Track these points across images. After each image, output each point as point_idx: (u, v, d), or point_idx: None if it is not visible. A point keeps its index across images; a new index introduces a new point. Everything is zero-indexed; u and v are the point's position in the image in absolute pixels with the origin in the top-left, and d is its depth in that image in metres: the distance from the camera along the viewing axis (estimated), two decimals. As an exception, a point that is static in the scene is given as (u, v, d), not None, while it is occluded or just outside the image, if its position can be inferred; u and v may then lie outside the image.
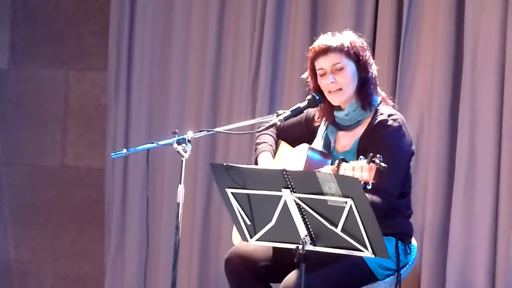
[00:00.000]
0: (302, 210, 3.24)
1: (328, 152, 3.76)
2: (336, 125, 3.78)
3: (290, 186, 3.22)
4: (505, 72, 4.28)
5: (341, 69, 3.69)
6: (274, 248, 3.69)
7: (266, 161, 3.82)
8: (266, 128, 3.77)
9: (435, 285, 4.41)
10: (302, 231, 3.27)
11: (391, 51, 4.59)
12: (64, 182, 5.73)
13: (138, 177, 5.28)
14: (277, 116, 3.75)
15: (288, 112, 3.76)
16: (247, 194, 3.31)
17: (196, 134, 3.73)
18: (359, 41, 3.74)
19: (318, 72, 3.73)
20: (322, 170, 3.44)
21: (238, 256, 3.72)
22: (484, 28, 4.32)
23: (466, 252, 4.32)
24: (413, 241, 3.82)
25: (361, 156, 3.27)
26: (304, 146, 3.76)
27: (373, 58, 3.82)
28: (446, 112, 4.43)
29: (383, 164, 3.20)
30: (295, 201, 3.23)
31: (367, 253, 3.23)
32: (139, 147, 3.77)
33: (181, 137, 3.66)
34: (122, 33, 5.34)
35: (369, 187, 3.24)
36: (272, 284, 3.76)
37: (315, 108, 3.83)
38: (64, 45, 5.72)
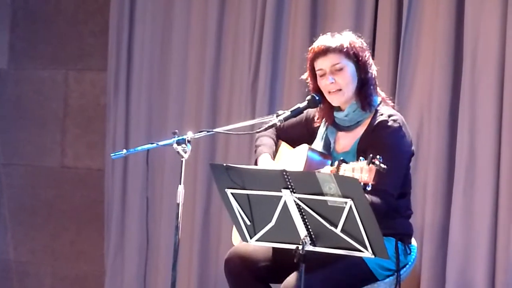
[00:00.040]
0: (302, 210, 3.24)
1: (328, 152, 3.76)
2: (336, 126, 3.78)
3: (290, 186, 3.21)
4: (505, 73, 4.29)
5: (341, 69, 3.69)
6: (274, 248, 3.68)
7: (265, 163, 3.82)
8: (266, 129, 3.77)
9: (435, 285, 4.41)
10: (302, 231, 3.27)
11: (390, 51, 4.59)
12: (63, 182, 5.73)
13: (137, 177, 5.28)
14: (277, 116, 3.75)
15: (288, 113, 3.76)
16: (247, 194, 3.31)
17: (195, 134, 3.73)
18: (358, 42, 3.74)
19: (317, 72, 3.73)
20: (322, 171, 3.43)
21: (238, 256, 3.72)
22: (484, 29, 4.32)
23: (466, 252, 4.32)
24: (413, 242, 3.82)
25: (361, 157, 3.27)
26: (304, 147, 3.76)
27: (373, 59, 3.82)
28: (446, 113, 4.43)
29: (383, 166, 3.20)
30: (295, 201, 3.23)
31: (367, 254, 3.23)
32: (139, 148, 3.77)
33: (180, 137, 3.66)
34: (122, 34, 5.34)
35: (368, 188, 3.24)
36: (272, 285, 3.76)
37: (315, 109, 3.83)
38: (63, 46, 5.72)
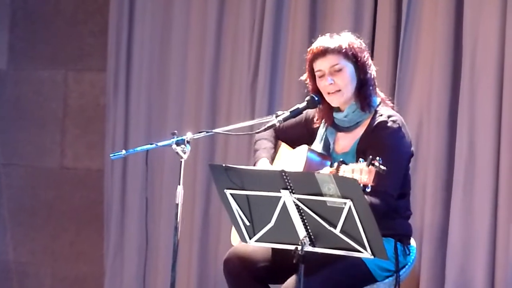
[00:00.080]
0: (301, 211, 3.23)
1: (328, 153, 3.76)
2: (336, 127, 3.78)
3: (289, 187, 3.21)
4: (504, 73, 4.29)
5: (340, 70, 3.69)
6: (273, 249, 3.68)
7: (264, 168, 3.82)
8: (265, 129, 3.77)
9: (434, 286, 4.41)
10: (301, 232, 3.26)
11: (390, 51, 4.59)
12: (63, 183, 5.73)
13: (137, 178, 5.28)
14: (276, 117, 3.74)
15: (287, 113, 3.76)
16: (246, 195, 3.30)
17: (195, 135, 3.73)
18: (357, 42, 3.74)
19: (316, 73, 3.73)
20: (321, 172, 3.43)
21: (237, 257, 3.72)
22: (483, 29, 4.32)
23: (465, 252, 4.32)
24: (412, 242, 3.82)
25: (360, 159, 3.27)
26: (303, 148, 3.76)
27: (372, 59, 3.82)
28: (445, 113, 4.43)
29: (382, 167, 3.20)
30: (294, 202, 3.22)
31: (366, 254, 3.22)
32: (138, 148, 3.77)
33: (180, 138, 3.66)
34: (121, 34, 5.34)
35: (368, 189, 3.24)
36: (271, 285, 3.76)
37: (315, 109, 3.82)
38: (63, 46, 5.71)
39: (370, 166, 3.22)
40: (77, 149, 5.71)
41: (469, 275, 4.31)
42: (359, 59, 3.71)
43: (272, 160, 3.90)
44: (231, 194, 3.32)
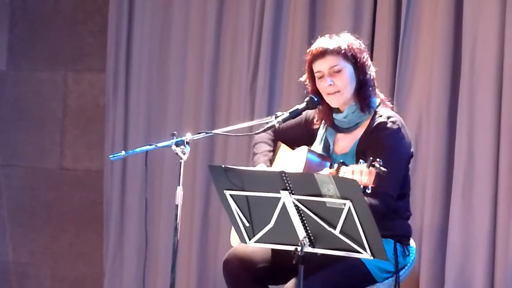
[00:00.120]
0: (301, 211, 3.23)
1: (327, 154, 3.76)
2: (335, 127, 3.78)
3: (288, 188, 3.21)
4: (504, 73, 4.29)
5: (339, 71, 3.69)
6: (272, 250, 3.68)
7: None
8: (265, 130, 3.77)
9: (434, 286, 4.41)
10: (301, 233, 3.26)
11: (389, 52, 4.59)
12: (62, 184, 5.73)
13: (136, 178, 5.28)
14: (276, 118, 3.74)
15: (286, 114, 3.76)
16: (246, 196, 3.30)
17: (194, 136, 3.73)
18: (356, 43, 3.74)
19: (316, 75, 3.73)
20: (321, 173, 3.43)
21: (236, 257, 3.72)
22: (483, 29, 4.32)
23: (464, 252, 4.32)
24: (412, 243, 3.82)
25: (360, 160, 3.27)
26: (303, 149, 3.76)
27: (371, 60, 3.82)
28: (445, 114, 4.43)
29: (383, 169, 3.19)
30: (293, 203, 3.22)
31: (365, 255, 3.22)
32: (138, 149, 3.77)
33: (179, 139, 3.66)
34: (121, 34, 5.34)
35: (368, 191, 3.24)
36: (270, 286, 3.76)
37: (315, 110, 3.82)
38: (62, 46, 5.71)
39: (371, 168, 3.21)
40: (76, 150, 5.71)
41: (469, 275, 4.31)
42: (358, 60, 3.71)
43: (270, 163, 3.90)
44: (230, 195, 3.32)
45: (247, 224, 3.35)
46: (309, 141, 3.84)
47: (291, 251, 3.27)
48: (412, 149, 3.76)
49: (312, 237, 3.27)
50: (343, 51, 3.68)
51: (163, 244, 5.16)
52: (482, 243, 4.28)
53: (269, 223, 3.30)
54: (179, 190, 3.64)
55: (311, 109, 3.80)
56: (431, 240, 4.40)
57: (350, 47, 3.70)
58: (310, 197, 3.19)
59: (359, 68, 3.71)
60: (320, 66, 3.70)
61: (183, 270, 5.08)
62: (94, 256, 5.57)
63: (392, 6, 4.58)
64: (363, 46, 3.77)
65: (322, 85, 3.72)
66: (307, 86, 3.81)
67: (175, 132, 3.70)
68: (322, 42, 3.72)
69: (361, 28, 4.60)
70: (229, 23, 5.08)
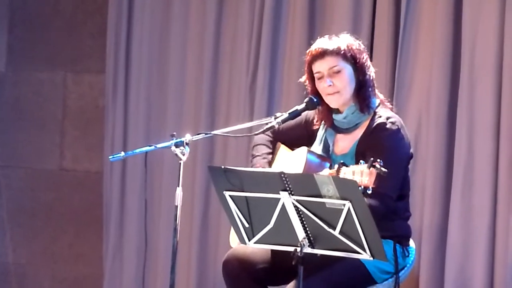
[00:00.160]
0: (300, 212, 3.23)
1: (327, 155, 3.76)
2: (335, 128, 3.78)
3: (288, 188, 3.21)
4: (503, 74, 4.29)
5: (338, 72, 3.69)
6: (272, 250, 3.68)
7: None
8: (264, 131, 3.78)
9: (434, 286, 4.41)
10: (300, 233, 3.26)
11: (388, 53, 4.59)
12: (62, 185, 5.73)
13: (136, 179, 5.28)
14: (275, 118, 3.75)
15: (286, 115, 3.76)
16: (245, 196, 3.30)
17: (194, 136, 3.73)
18: (356, 44, 3.74)
19: (315, 75, 3.73)
20: (321, 173, 3.43)
21: (236, 258, 3.72)
22: (482, 30, 4.33)
23: (464, 253, 4.33)
24: (411, 243, 3.82)
25: (361, 161, 3.27)
26: (303, 149, 3.76)
27: (371, 60, 3.82)
28: (444, 114, 4.43)
29: (383, 169, 3.19)
30: (293, 203, 3.22)
31: (365, 256, 3.22)
32: (137, 150, 3.77)
33: (179, 140, 3.66)
34: (120, 35, 5.34)
35: (369, 192, 3.24)
36: (270, 287, 3.76)
37: (315, 111, 3.83)
38: (61, 47, 5.71)
39: (371, 168, 3.21)
40: (76, 151, 5.71)
41: (469, 275, 4.32)
42: (357, 60, 3.71)
43: (269, 165, 3.90)
44: (230, 196, 3.32)
45: (247, 225, 3.35)
46: (309, 142, 3.84)
47: (290, 252, 3.27)
48: (411, 150, 3.76)
49: (311, 238, 3.27)
50: (342, 52, 3.68)
51: (163, 245, 5.16)
52: (481, 243, 4.29)
53: (269, 224, 3.30)
54: (179, 191, 3.64)
55: (311, 110, 3.80)
56: (431, 240, 4.41)
57: (350, 47, 3.70)
58: (310, 197, 3.19)
59: (359, 69, 3.71)
60: (320, 66, 3.70)
61: (183, 271, 5.08)
62: (94, 257, 5.57)
63: (392, 6, 4.58)
64: (362, 46, 3.77)
65: (321, 86, 3.72)
66: (306, 87, 3.81)
67: (174, 133, 3.70)
68: (321, 43, 3.72)
69: (360, 29, 4.60)
70: (228, 24, 5.08)
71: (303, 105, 3.78)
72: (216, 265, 4.93)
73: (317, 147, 3.80)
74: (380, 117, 3.68)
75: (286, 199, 3.22)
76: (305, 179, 3.22)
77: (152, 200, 5.22)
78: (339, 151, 3.75)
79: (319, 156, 3.74)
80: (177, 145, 3.65)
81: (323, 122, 3.82)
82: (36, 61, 5.78)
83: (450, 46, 4.42)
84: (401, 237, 3.73)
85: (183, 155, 3.65)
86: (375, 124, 3.67)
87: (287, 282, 3.60)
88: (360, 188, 3.20)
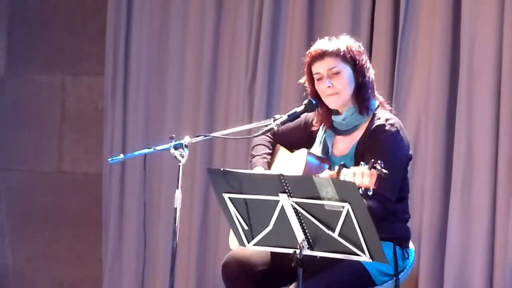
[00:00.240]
0: (299, 214, 3.23)
1: (326, 157, 3.76)
2: (334, 130, 3.78)
3: (287, 190, 3.21)
4: (502, 75, 4.28)
5: (338, 73, 3.69)
6: (271, 253, 3.68)
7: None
8: (263, 133, 3.77)
9: (433, 287, 4.41)
10: (300, 235, 3.26)
11: (387, 54, 4.59)
12: (61, 187, 5.73)
13: (135, 182, 5.28)
14: (274, 120, 3.75)
15: (285, 117, 3.76)
16: (244, 199, 3.30)
17: (193, 139, 3.72)
18: (355, 45, 3.74)
19: (314, 76, 3.73)
20: (321, 175, 3.43)
21: (235, 260, 3.71)
22: (481, 31, 4.32)
23: (463, 254, 4.32)
24: (411, 245, 3.82)
25: (362, 162, 3.27)
26: (303, 151, 3.76)
27: (370, 62, 3.82)
28: (443, 115, 4.43)
29: (384, 170, 3.19)
30: (292, 205, 3.22)
31: (364, 258, 3.22)
32: (136, 152, 3.77)
33: (178, 142, 3.66)
34: (119, 38, 5.34)
35: (370, 193, 3.23)
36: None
37: (314, 113, 3.83)
38: (60, 50, 5.72)
39: (372, 170, 3.21)
40: (75, 153, 5.71)
41: (468, 277, 4.31)
42: (357, 62, 3.71)
43: (269, 165, 3.90)
44: (229, 198, 3.32)
45: (246, 227, 3.35)
46: (309, 144, 3.84)
47: (290, 254, 3.27)
48: (410, 152, 3.76)
49: (310, 240, 3.26)
50: (342, 53, 3.68)
51: (162, 247, 5.15)
52: (481, 244, 4.29)
53: (268, 226, 3.30)
54: (178, 193, 3.64)
55: (310, 111, 3.80)
56: (430, 242, 4.41)
57: (349, 49, 3.70)
58: (309, 200, 3.19)
59: (358, 70, 3.71)
60: (319, 68, 3.70)
61: (182, 274, 5.07)
62: (93, 259, 5.57)
63: (390, 7, 4.58)
64: (362, 48, 3.77)
65: (320, 87, 3.72)
66: (306, 88, 3.81)
67: (173, 135, 3.70)
68: (321, 44, 3.72)
69: (359, 30, 4.60)
70: (227, 25, 5.08)
71: (302, 107, 3.78)
72: (216, 267, 4.93)
73: (317, 149, 3.80)
74: (379, 118, 3.68)
75: (285, 201, 3.22)
76: (304, 181, 3.22)
77: (151, 202, 5.22)
78: (338, 152, 3.75)
79: (318, 158, 3.74)
80: (176, 147, 3.65)
81: (322, 123, 3.81)
82: (35, 64, 5.78)
83: (448, 47, 4.42)
84: (401, 239, 3.73)
85: (182, 157, 3.64)
86: (374, 125, 3.67)
87: (287, 284, 3.60)
88: (361, 189, 3.20)
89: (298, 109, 3.78)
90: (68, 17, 5.70)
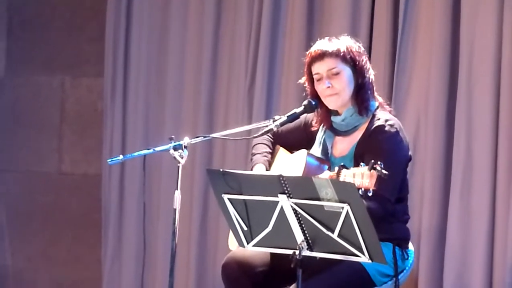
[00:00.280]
0: (299, 215, 3.23)
1: (326, 157, 3.76)
2: (334, 130, 3.78)
3: (286, 191, 3.21)
4: (501, 76, 4.29)
5: (337, 74, 3.69)
6: (271, 253, 3.68)
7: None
8: (263, 134, 3.77)
9: (433, 288, 4.42)
10: (299, 236, 3.26)
11: (387, 55, 4.59)
12: (60, 188, 5.73)
13: (134, 183, 5.28)
14: (274, 121, 3.74)
15: (284, 118, 3.76)
16: (244, 200, 3.30)
17: (192, 140, 3.72)
18: (355, 46, 3.74)
19: (314, 77, 3.73)
20: (321, 176, 3.43)
21: (235, 261, 3.71)
22: (480, 32, 4.33)
23: (463, 255, 4.33)
24: (410, 246, 3.82)
25: (361, 163, 3.27)
26: (302, 152, 3.76)
27: (369, 63, 3.82)
28: (443, 116, 4.43)
29: (384, 171, 3.19)
30: (291, 206, 3.22)
31: (363, 258, 3.22)
32: (136, 153, 3.77)
33: (177, 143, 3.66)
34: (118, 39, 5.33)
35: (370, 194, 3.23)
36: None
37: (314, 113, 3.83)
38: (60, 51, 5.71)
39: (372, 170, 3.21)
40: (74, 155, 5.71)
41: (467, 278, 4.32)
42: (357, 63, 3.71)
43: (269, 165, 3.90)
44: (228, 199, 3.32)
45: (245, 228, 3.35)
46: (308, 144, 3.84)
47: (289, 255, 3.27)
48: (410, 152, 3.76)
49: (310, 241, 3.26)
50: (342, 54, 3.68)
51: (162, 248, 5.15)
52: (480, 245, 4.29)
53: (267, 227, 3.29)
54: (177, 194, 3.64)
55: (309, 112, 3.80)
56: (430, 242, 4.41)
57: (349, 50, 3.70)
58: (308, 200, 3.19)
59: (358, 71, 3.71)
60: (319, 68, 3.70)
61: (182, 274, 5.07)
62: (92, 260, 5.56)
63: (390, 8, 4.59)
64: (362, 49, 3.77)
65: (320, 88, 3.72)
66: (306, 88, 3.81)
67: (173, 136, 3.70)
68: (321, 45, 3.72)
69: (359, 31, 4.60)
70: (227, 26, 5.08)
71: (301, 108, 3.78)
72: (215, 268, 4.93)
73: (317, 149, 3.80)
74: (378, 119, 3.68)
75: (284, 202, 3.22)
76: (303, 182, 3.22)
77: (151, 203, 5.22)
78: (337, 153, 3.75)
79: (318, 158, 3.74)
80: (175, 148, 3.65)
81: (322, 124, 3.81)
82: (34, 65, 5.78)
83: (448, 47, 4.43)
84: (400, 240, 3.72)
85: (182, 158, 3.64)
86: (373, 126, 3.67)
87: (287, 285, 3.60)
88: (360, 190, 3.20)
89: (298, 110, 3.78)
90: (68, 18, 5.70)
